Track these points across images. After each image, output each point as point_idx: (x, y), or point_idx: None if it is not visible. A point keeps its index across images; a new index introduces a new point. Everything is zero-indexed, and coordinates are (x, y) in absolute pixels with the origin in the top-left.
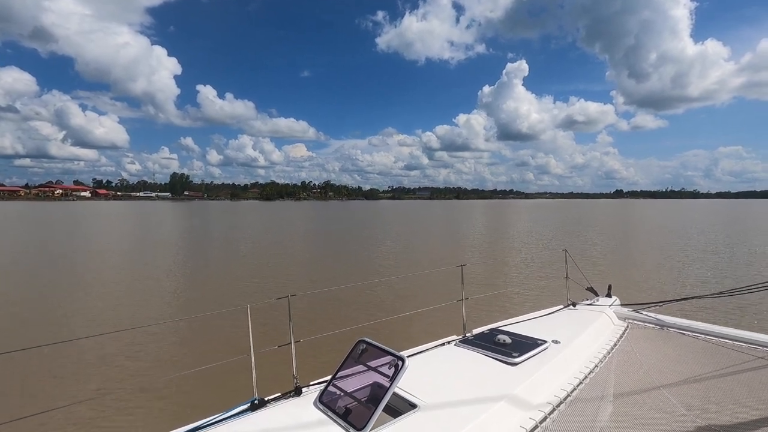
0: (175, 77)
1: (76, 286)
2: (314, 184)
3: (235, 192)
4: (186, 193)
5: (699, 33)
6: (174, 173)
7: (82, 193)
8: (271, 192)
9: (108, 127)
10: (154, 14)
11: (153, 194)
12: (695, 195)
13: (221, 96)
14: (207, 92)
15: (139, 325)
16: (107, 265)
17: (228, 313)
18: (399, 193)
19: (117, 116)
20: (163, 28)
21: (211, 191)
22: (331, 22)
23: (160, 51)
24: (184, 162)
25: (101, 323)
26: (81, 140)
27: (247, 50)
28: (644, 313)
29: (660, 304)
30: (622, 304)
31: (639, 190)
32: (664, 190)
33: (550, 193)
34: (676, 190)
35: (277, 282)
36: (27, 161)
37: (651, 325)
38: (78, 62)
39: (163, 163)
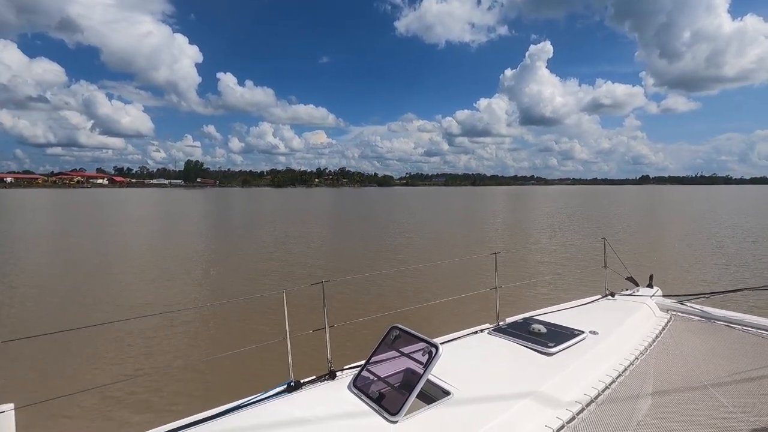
0: (197, 65)
1: (106, 272)
2: (329, 171)
3: (246, 179)
4: (198, 180)
5: (737, 8)
6: (189, 160)
7: (99, 181)
8: (283, 179)
9: (133, 116)
10: (175, 2)
11: (166, 182)
12: (728, 181)
13: (241, 83)
14: (227, 80)
15: (180, 308)
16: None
17: (265, 297)
18: (414, 179)
19: (142, 105)
20: (184, 16)
21: (227, 178)
22: (349, 7)
23: (181, 39)
24: (207, 150)
25: (139, 307)
26: (108, 129)
27: (265, 37)
28: (689, 304)
29: (706, 295)
30: (664, 295)
31: (667, 175)
32: (693, 175)
33: (572, 179)
34: (706, 175)
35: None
36: (58, 150)
37: (696, 318)
38: (103, 52)
39: (187, 150)
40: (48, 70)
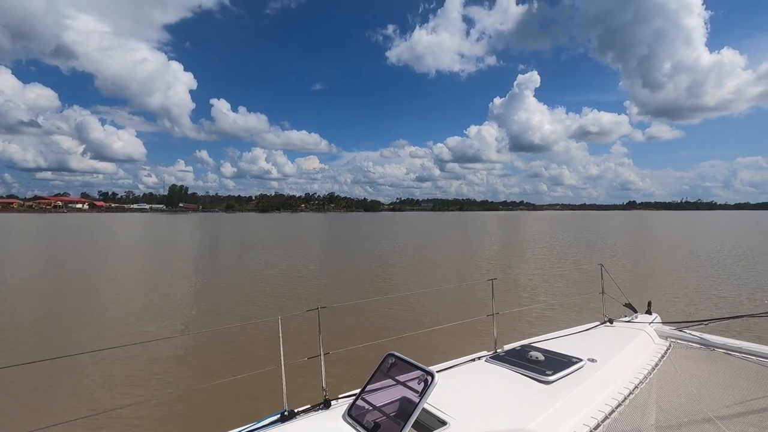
0: (191, 92)
1: (93, 299)
2: (318, 196)
3: (230, 204)
4: (181, 204)
5: (714, 42)
6: (173, 185)
7: (78, 205)
8: (267, 204)
9: (126, 141)
10: (171, 31)
11: (147, 206)
12: (712, 206)
13: (234, 109)
14: (221, 106)
15: (170, 336)
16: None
17: (258, 324)
18: (403, 204)
19: (134, 130)
20: (179, 44)
21: (213, 203)
22: (341, 36)
23: (176, 66)
24: (200, 174)
25: (128, 334)
26: (100, 153)
27: (259, 64)
28: (688, 332)
29: (705, 322)
30: (663, 322)
31: (654, 201)
32: (679, 201)
33: (561, 204)
34: (691, 201)
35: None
36: (48, 174)
37: (696, 345)
38: (98, 78)
39: (179, 175)
40: (41, 95)
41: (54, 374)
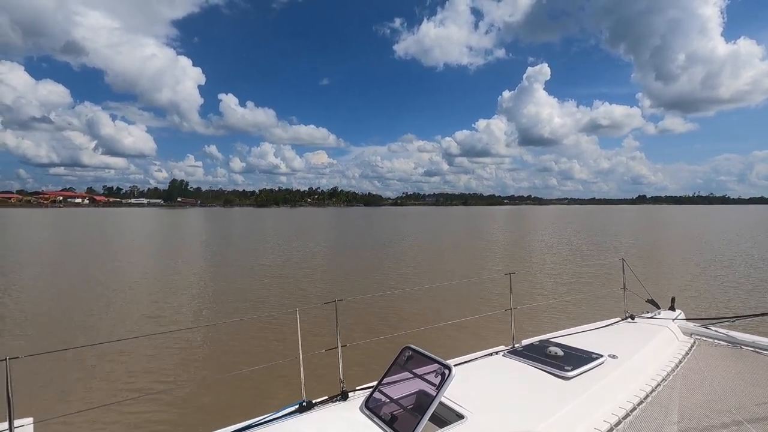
0: (199, 87)
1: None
2: (320, 190)
3: (228, 198)
4: (179, 199)
5: (731, 32)
6: (174, 180)
7: (77, 200)
8: (266, 199)
9: (136, 137)
10: (179, 26)
11: (145, 201)
12: (725, 200)
13: (242, 104)
14: (229, 101)
15: (192, 327)
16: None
17: (276, 316)
18: (407, 199)
19: (144, 125)
20: (187, 40)
21: (214, 198)
22: (349, 30)
23: (185, 61)
24: (209, 170)
25: (151, 324)
26: (111, 149)
27: (267, 59)
28: (713, 329)
29: (732, 319)
30: (687, 319)
31: (665, 195)
32: (691, 195)
33: (569, 199)
34: (703, 195)
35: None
36: (61, 169)
37: (722, 343)
38: (108, 74)
39: (189, 170)
40: (53, 91)
41: (68, 366)
